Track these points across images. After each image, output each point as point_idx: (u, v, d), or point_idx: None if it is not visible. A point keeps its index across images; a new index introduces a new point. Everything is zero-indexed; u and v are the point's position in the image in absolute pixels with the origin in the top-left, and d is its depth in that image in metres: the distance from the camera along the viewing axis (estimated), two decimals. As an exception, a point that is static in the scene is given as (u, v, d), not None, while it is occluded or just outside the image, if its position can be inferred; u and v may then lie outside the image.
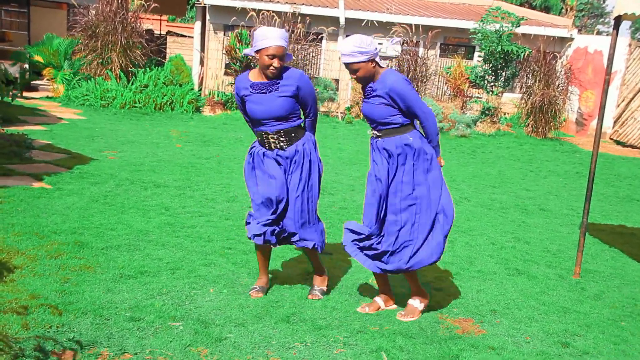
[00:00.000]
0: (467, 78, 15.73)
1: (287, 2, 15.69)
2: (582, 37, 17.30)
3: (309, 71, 15.82)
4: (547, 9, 30.81)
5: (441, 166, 4.12)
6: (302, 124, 4.26)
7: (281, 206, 4.12)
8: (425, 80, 15.30)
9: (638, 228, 7.58)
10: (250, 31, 14.56)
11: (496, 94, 15.33)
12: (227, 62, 15.37)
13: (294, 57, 14.50)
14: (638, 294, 5.17)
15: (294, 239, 4.22)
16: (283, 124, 4.11)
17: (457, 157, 11.71)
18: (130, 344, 3.45)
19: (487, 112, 15.19)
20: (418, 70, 15.11)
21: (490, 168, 10.87)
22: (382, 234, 4.11)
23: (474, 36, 15.26)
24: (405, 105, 3.95)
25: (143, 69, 13.94)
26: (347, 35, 16.70)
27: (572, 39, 17.04)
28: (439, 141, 4.12)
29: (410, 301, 4.27)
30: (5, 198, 5.83)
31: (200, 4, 16.01)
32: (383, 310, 4.29)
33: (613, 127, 16.25)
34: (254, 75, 4.15)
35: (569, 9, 23.96)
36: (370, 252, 4.11)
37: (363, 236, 4.09)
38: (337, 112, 15.24)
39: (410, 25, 15.47)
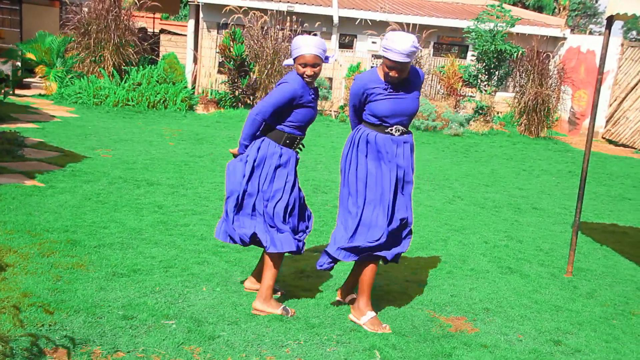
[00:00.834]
0: (461, 77, 15.76)
1: (281, 1, 15.68)
2: (574, 36, 17.37)
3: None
4: (540, 9, 30.89)
5: None
6: None
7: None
8: (418, 79, 15.30)
9: (630, 227, 7.62)
10: (243, 30, 14.55)
11: (489, 93, 15.37)
12: (221, 61, 15.35)
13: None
14: (630, 292, 5.19)
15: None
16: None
17: (450, 155, 11.73)
18: (123, 342, 3.44)
19: (480, 111, 15.23)
20: (411, 69, 15.11)
21: (484, 167, 10.90)
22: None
23: (468, 35, 15.29)
24: None
25: (136, 67, 13.90)
26: (340, 35, 16.70)
27: (564, 39, 17.11)
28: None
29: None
30: (-3, 196, 5.80)
31: (194, 2, 15.99)
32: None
33: (605, 127, 16.33)
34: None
35: (561, 9, 24.06)
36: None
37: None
38: (330, 111, 15.25)
39: (403, 24, 15.48)
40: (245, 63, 14.29)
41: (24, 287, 3.94)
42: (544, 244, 6.41)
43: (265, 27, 14.42)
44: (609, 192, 9.83)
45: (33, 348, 3.22)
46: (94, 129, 10.40)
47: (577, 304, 4.78)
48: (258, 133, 4.09)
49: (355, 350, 3.65)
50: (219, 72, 15.80)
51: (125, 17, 14.01)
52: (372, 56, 16.35)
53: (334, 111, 15.22)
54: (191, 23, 16.64)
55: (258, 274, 4.32)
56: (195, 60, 16.35)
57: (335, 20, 16.17)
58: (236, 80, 14.28)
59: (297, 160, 4.17)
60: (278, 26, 14.46)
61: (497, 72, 15.29)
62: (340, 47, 16.76)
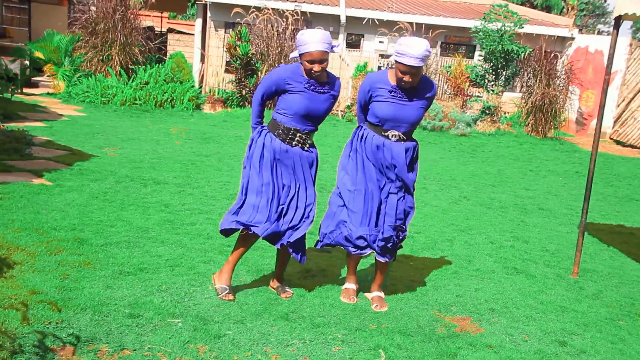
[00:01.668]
0: (468, 77, 15.73)
1: (288, 0, 15.69)
2: (582, 36, 17.31)
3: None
4: (548, 9, 30.79)
5: None
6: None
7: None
8: (425, 79, 15.29)
9: (637, 228, 7.59)
10: (250, 29, 14.57)
11: (496, 93, 15.34)
12: (228, 60, 15.38)
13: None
14: (636, 294, 5.18)
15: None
16: (315, 126, 4.21)
17: (456, 155, 11.72)
18: (129, 340, 3.46)
19: (487, 111, 15.20)
20: (419, 69, 15.10)
21: (490, 167, 10.88)
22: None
23: (475, 35, 15.26)
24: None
25: (144, 66, 13.94)
26: (348, 34, 16.70)
27: (572, 39, 17.04)
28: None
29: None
30: (5, 194, 5.84)
31: (202, 1, 16.01)
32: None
33: (613, 127, 16.26)
34: (308, 72, 4.10)
35: (570, 9, 23.96)
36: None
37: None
38: (337, 111, 15.25)
39: (411, 23, 15.46)
40: (252, 62, 14.31)
41: (31, 284, 3.97)
42: (550, 244, 6.39)
43: (272, 26, 14.44)
44: (616, 193, 9.80)
45: (41, 345, 3.25)
46: (101, 127, 10.44)
47: (583, 305, 4.77)
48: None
49: (360, 349, 3.66)
50: (227, 71, 15.83)
51: (132, 17, 14.06)
52: (380, 56, 16.34)
53: (341, 111, 15.22)
54: (199, 22, 16.67)
55: (277, 273, 4.44)
56: (202, 59, 16.38)
57: (343, 19, 16.17)
58: (243, 80, 14.31)
59: (303, 157, 4.16)
60: (285, 25, 14.47)
61: (504, 72, 15.25)
62: (347, 47, 16.76)
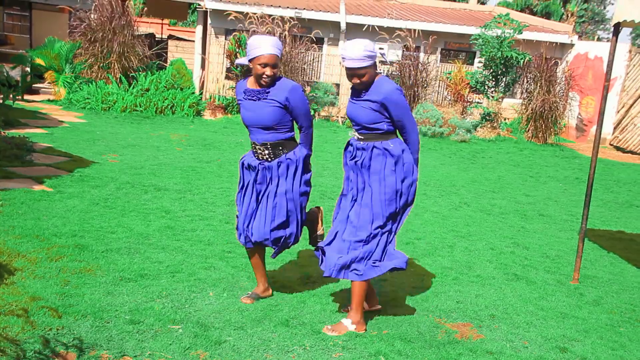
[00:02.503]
0: (468, 83, 15.76)
1: (288, 7, 15.74)
2: (582, 43, 17.35)
3: (310, 76, 15.85)
4: (548, 15, 30.86)
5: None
6: (294, 138, 4.24)
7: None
8: (425, 85, 15.33)
9: (637, 234, 7.59)
10: (250, 36, 14.60)
11: (496, 100, 15.36)
12: (228, 66, 15.41)
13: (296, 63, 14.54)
14: (636, 300, 5.18)
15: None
16: (270, 134, 4.11)
17: (457, 162, 11.73)
18: (130, 346, 3.46)
19: (487, 117, 15.22)
20: (419, 76, 15.15)
21: (490, 173, 10.89)
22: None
23: (475, 42, 15.30)
24: (397, 115, 3.96)
25: (144, 73, 13.97)
26: (347, 41, 16.72)
27: (572, 45, 17.08)
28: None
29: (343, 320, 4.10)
30: (6, 201, 5.85)
31: (202, 8, 16.07)
32: (367, 310, 4.27)
33: (613, 133, 16.28)
34: (251, 82, 4.17)
35: (569, 15, 24.04)
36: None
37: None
38: (337, 117, 15.27)
39: (411, 30, 15.51)
40: (252, 69, 14.34)
41: (32, 291, 3.97)
42: (551, 250, 6.40)
43: (272, 33, 14.47)
44: (616, 199, 9.80)
45: (45, 350, 3.25)
46: (102, 134, 10.46)
47: (584, 311, 4.77)
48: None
49: (360, 356, 3.66)
50: (227, 77, 15.87)
51: (128, 24, 14.05)
52: (379, 62, 16.37)
53: (341, 117, 15.24)
54: (199, 29, 16.71)
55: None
56: (203, 66, 16.41)
57: (343, 26, 16.21)
58: (243, 86, 14.33)
59: (265, 168, 4.14)
60: (285, 32, 14.51)
61: (504, 79, 15.29)
62: (347, 53, 16.77)
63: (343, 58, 3.94)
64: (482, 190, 9.25)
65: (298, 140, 4.25)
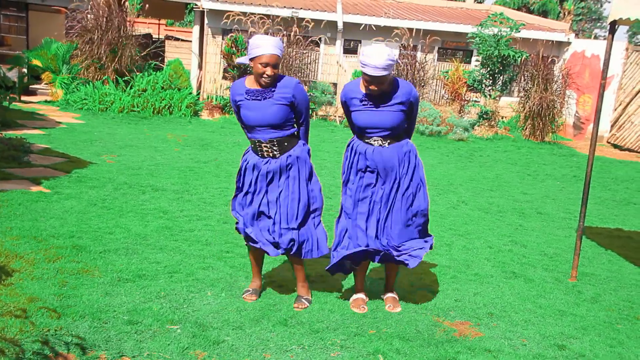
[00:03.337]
0: (465, 82, 15.78)
1: (285, 7, 15.73)
2: (579, 41, 17.38)
3: (307, 75, 15.85)
4: (544, 14, 30.89)
5: None
6: (296, 133, 4.25)
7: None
8: (423, 84, 15.35)
9: (635, 231, 7.60)
10: (247, 36, 14.58)
11: (494, 98, 15.38)
12: (225, 67, 15.40)
13: (296, 61, 14.53)
14: (634, 297, 5.19)
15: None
16: (277, 132, 4.12)
17: (454, 160, 11.73)
18: (128, 347, 3.46)
19: (484, 115, 15.24)
20: (416, 75, 15.15)
21: (488, 171, 10.90)
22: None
23: (472, 40, 15.31)
24: (414, 110, 4.14)
25: (141, 74, 13.95)
26: (345, 40, 16.74)
27: (569, 43, 17.11)
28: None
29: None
30: (3, 202, 5.84)
31: (199, 8, 16.06)
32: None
33: (610, 131, 16.30)
34: (250, 82, 4.16)
35: (566, 13, 24.03)
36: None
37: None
38: (335, 116, 15.27)
39: (408, 29, 15.51)
40: (249, 69, 14.33)
41: (30, 292, 3.97)
42: (549, 248, 6.40)
43: (269, 33, 14.47)
44: (614, 197, 9.82)
45: (44, 350, 3.25)
46: (99, 135, 10.45)
47: (582, 309, 4.78)
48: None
49: (359, 355, 3.66)
50: (224, 77, 15.86)
51: (123, 24, 14.02)
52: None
53: (339, 116, 15.25)
54: (196, 29, 16.70)
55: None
56: (200, 66, 16.41)
57: (340, 25, 16.21)
58: (241, 86, 14.32)
59: (269, 167, 4.15)
60: (282, 32, 14.50)
61: (501, 77, 15.30)
62: (344, 53, 16.80)
63: (364, 65, 3.90)
64: (480, 189, 9.26)
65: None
